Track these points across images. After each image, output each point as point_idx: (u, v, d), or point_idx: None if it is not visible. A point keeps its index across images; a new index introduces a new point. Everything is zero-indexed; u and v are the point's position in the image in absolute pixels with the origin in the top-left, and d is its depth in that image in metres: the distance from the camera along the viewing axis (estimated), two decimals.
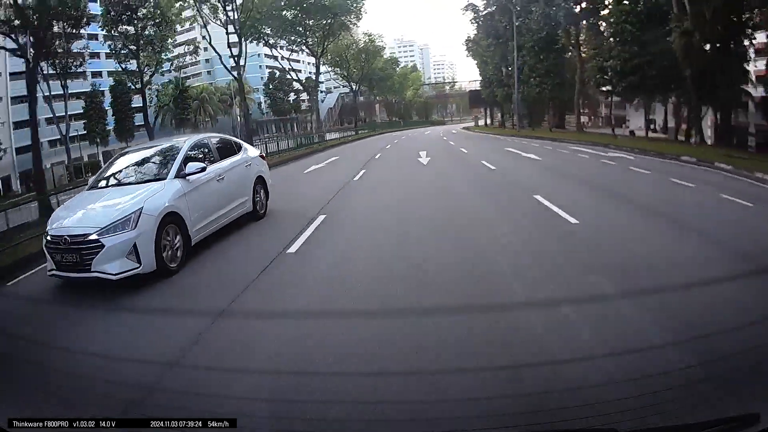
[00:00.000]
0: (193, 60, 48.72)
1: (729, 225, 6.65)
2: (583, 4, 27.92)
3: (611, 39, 23.14)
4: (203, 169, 6.39)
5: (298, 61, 47.31)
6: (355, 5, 35.79)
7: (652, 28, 21.36)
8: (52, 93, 33.83)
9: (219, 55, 31.65)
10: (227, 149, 7.63)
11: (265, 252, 6.13)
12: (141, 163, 6.69)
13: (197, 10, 29.95)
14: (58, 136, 36.64)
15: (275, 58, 45.97)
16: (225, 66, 31.57)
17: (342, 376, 3.20)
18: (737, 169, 12.20)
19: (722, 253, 5.30)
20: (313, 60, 48.24)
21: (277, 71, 57.15)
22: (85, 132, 40.27)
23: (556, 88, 31.78)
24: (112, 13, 33.31)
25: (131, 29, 33.82)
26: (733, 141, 19.90)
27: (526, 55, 32.71)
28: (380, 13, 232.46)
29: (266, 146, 21.57)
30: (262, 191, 8.24)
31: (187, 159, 6.41)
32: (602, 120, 36.16)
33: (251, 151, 8.45)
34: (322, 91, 61.27)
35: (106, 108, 41.65)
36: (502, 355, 3.30)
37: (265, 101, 64.45)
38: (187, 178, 6.19)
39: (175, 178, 6.09)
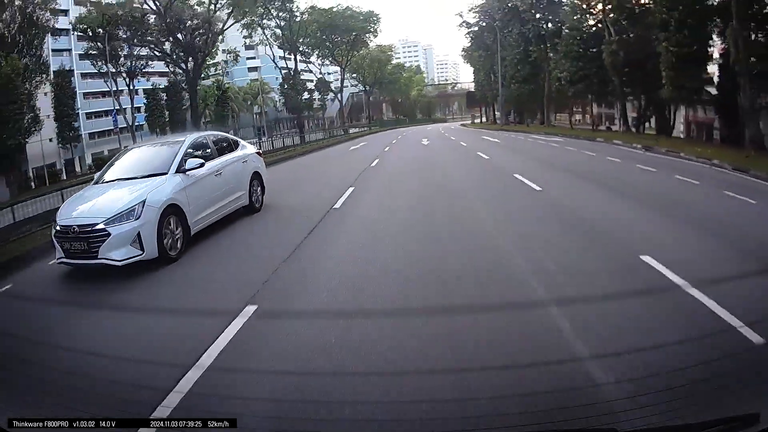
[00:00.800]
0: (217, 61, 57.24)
1: (570, 162, 14.65)
2: (550, 25, 36.31)
3: (563, 56, 31.39)
4: (202, 165, 7.02)
5: (311, 62, 55.36)
6: (372, 27, 44.57)
7: (592, 48, 29.62)
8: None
9: (276, 64, 40.36)
10: (225, 146, 8.32)
11: (360, 164, 14.57)
12: (144, 158, 7.41)
13: (264, 35, 38.57)
14: (124, 125, 45.21)
15: (287, 59, 54.48)
16: (282, 75, 40.32)
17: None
18: (625, 143, 20.19)
19: (552, 168, 13.71)
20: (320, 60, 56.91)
21: (291, 71, 65.59)
22: (146, 123, 48.73)
23: (532, 92, 40.09)
24: (164, 24, 41.63)
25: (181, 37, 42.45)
26: (695, 133, 24.87)
27: (508, 66, 41.07)
28: (386, 15, 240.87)
29: (319, 136, 30.05)
30: (258, 187, 8.90)
31: (187, 155, 7.04)
32: (595, 118, 42.97)
33: (248, 149, 9.14)
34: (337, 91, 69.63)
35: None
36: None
37: (279, 100, 72.81)
38: (187, 173, 6.80)
39: (175, 173, 6.70)
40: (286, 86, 62.72)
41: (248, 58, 65.45)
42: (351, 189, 10.51)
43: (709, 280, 4.27)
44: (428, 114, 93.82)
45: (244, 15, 36.80)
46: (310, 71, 56.24)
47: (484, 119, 65.18)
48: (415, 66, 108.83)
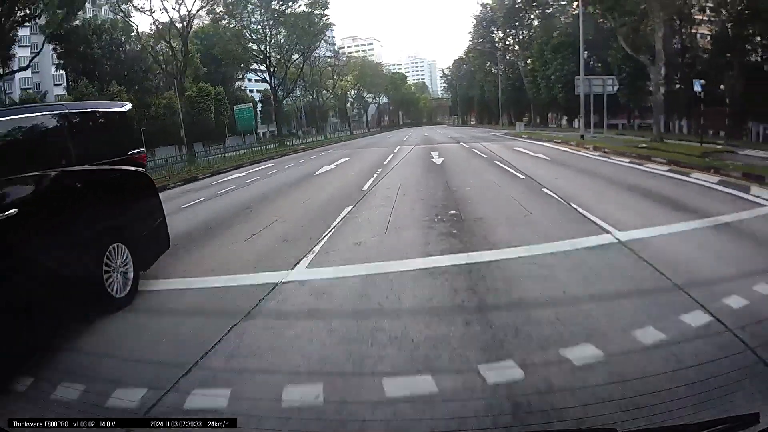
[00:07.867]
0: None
1: (463, 131, 61.07)
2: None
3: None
4: None
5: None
6: (404, 81, 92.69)
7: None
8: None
9: (348, 99, 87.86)
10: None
11: (405, 133, 61.18)
12: None
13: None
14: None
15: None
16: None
17: None
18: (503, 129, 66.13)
19: (456, 132, 59.69)
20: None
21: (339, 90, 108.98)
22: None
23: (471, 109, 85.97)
24: None
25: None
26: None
27: (463, 95, 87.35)
28: (399, 34, 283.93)
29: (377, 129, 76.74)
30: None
31: None
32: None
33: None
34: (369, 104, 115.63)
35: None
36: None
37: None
38: None
39: None
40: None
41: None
42: (407, 135, 56.59)
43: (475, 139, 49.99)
44: (431, 119, 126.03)
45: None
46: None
47: (460, 122, 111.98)
48: (421, 82, 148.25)
